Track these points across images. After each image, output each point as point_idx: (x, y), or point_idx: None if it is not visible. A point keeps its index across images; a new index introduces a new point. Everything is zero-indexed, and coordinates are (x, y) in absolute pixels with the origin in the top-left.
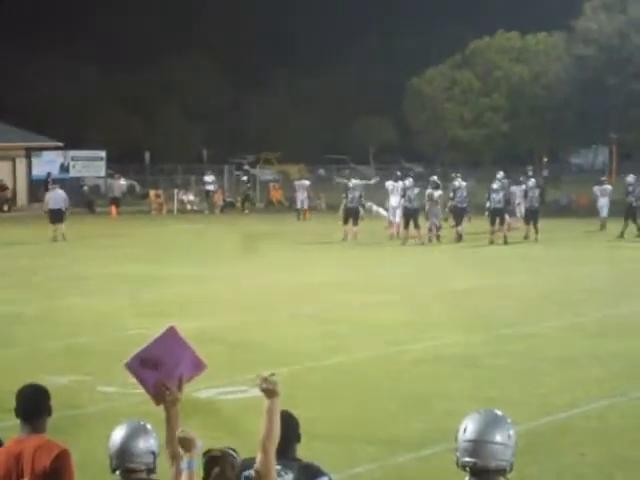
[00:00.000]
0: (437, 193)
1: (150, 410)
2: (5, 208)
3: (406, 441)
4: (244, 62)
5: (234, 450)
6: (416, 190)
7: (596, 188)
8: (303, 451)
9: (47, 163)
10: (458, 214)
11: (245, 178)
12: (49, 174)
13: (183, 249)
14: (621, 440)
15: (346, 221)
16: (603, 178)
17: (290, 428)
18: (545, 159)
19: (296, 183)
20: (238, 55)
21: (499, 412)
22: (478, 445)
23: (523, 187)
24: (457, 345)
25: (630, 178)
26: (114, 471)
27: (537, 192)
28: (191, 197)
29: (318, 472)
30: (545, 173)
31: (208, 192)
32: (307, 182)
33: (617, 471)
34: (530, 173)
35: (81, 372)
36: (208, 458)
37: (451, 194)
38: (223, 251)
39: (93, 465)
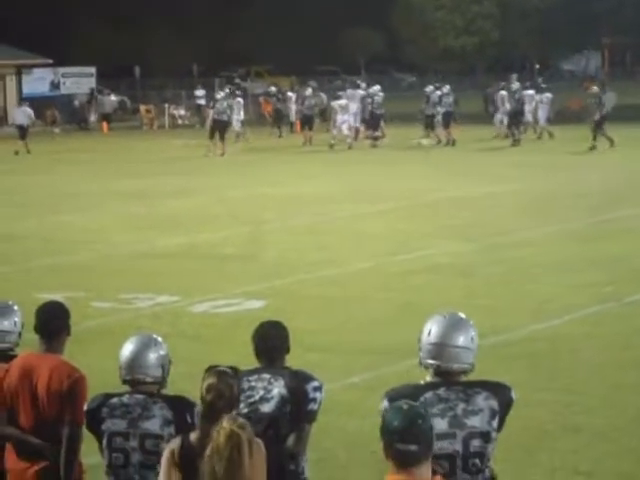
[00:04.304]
0: (341, 102)
1: (145, 325)
2: None
3: (401, 349)
4: None
5: (234, 368)
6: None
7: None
8: (298, 362)
9: (37, 80)
10: (376, 120)
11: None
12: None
13: (174, 164)
14: (614, 344)
15: (212, 136)
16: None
17: (279, 339)
18: (537, 66)
19: (289, 95)
20: None
21: (463, 315)
22: (441, 348)
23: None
24: (449, 255)
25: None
26: (124, 382)
27: (452, 98)
28: (182, 112)
29: (309, 377)
30: (540, 81)
31: (199, 106)
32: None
33: (611, 374)
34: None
35: (74, 289)
36: (206, 375)
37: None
38: (214, 165)
39: (90, 379)
